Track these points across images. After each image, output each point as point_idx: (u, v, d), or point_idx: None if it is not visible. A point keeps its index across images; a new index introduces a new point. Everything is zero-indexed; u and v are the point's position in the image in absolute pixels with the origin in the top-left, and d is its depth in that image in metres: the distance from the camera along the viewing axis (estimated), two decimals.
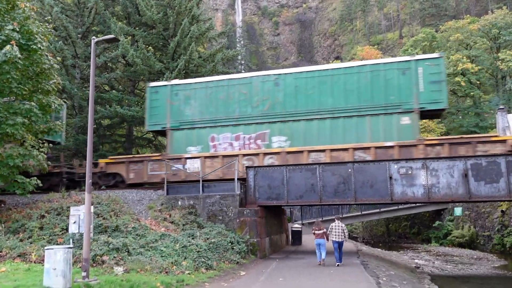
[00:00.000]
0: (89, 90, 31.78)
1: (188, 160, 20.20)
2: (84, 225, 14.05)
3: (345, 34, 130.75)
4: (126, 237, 15.13)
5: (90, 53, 33.26)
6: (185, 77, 32.27)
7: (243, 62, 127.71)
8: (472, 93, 47.53)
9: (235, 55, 35.32)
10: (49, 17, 31.43)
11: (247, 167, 20.01)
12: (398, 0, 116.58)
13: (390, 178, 18.41)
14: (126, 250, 13.90)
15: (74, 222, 14.57)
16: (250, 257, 17.68)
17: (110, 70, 36.00)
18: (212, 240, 16.16)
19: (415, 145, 20.07)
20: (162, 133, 24.64)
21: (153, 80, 33.89)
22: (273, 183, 19.65)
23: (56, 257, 9.73)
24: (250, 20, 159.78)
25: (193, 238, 16.27)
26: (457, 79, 47.13)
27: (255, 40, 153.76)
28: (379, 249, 27.58)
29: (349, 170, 18.91)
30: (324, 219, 34.55)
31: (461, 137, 20.70)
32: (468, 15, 70.37)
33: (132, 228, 16.25)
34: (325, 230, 17.09)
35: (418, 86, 20.57)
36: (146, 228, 16.58)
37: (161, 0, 34.12)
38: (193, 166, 19.77)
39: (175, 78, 30.41)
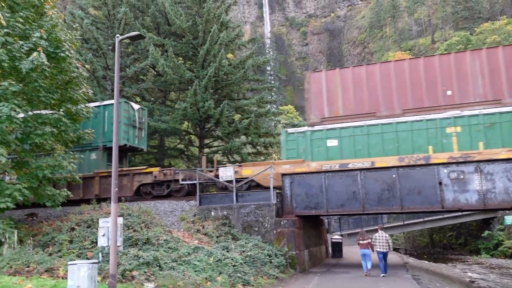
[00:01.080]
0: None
1: (220, 168, 19.24)
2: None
3: (374, 42, 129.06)
4: (157, 250, 14.23)
5: (120, 65, 33.33)
6: (215, 85, 31.63)
7: (272, 72, 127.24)
8: None
9: (265, 62, 34.40)
10: (80, 29, 31.64)
11: (282, 174, 18.87)
12: (429, 4, 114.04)
13: (440, 183, 16.86)
14: (157, 264, 12.97)
15: (103, 235, 13.81)
16: (289, 271, 16.46)
17: (141, 81, 35.79)
18: (249, 253, 15.05)
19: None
20: None
21: (183, 90, 33.51)
22: (311, 191, 18.42)
23: (80, 273, 8.85)
24: (279, 31, 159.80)
25: (227, 251, 15.21)
26: None
27: (283, 50, 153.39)
28: (426, 262, 25.73)
29: (394, 175, 17.48)
30: (364, 229, 32.94)
31: None
32: (504, 16, 67.33)
33: (164, 240, 15.34)
34: (369, 240, 16.73)
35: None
36: (178, 240, 15.65)
37: (189, 9, 33.77)
38: (225, 174, 18.78)
39: (204, 86, 29.76)
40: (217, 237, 16.94)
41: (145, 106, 31.84)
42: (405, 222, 32.94)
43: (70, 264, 9.18)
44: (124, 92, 33.05)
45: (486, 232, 33.54)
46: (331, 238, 24.38)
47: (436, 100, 19.27)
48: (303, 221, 18.97)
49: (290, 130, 21.01)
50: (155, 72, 35.13)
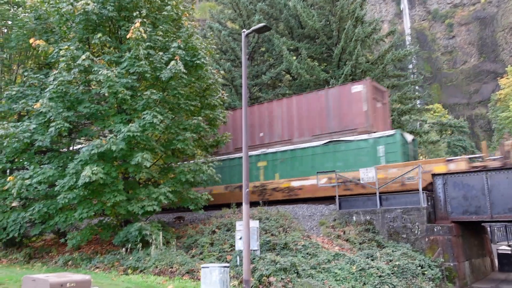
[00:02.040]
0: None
1: (361, 169, 17.73)
2: (251, 241, 12.86)
3: None
4: (295, 256, 13.44)
5: (257, 73, 34.01)
6: None
7: (415, 70, 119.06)
8: None
9: (407, 54, 31.59)
10: (217, 41, 33.13)
11: (433, 174, 16.57)
12: None
13: None
14: (295, 271, 12.16)
15: (240, 238, 13.54)
16: (446, 286, 14.18)
17: (278, 87, 36.05)
18: (396, 263, 13.31)
19: None
20: None
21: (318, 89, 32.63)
22: (470, 193, 15.77)
23: (212, 277, 8.48)
24: (420, 26, 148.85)
25: (372, 260, 13.69)
26: None
27: (426, 46, 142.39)
28: None
29: None
30: None
31: None
32: None
33: (302, 246, 14.51)
34: None
35: None
36: (317, 246, 14.67)
37: (322, 9, 32.87)
38: (367, 175, 17.22)
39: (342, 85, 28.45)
40: (360, 243, 15.51)
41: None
42: None
43: (203, 267, 8.88)
44: (261, 99, 33.56)
45: None
46: (497, 249, 20.78)
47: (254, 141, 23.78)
48: (461, 228, 16.37)
49: None
50: (291, 77, 35.00)
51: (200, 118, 17.76)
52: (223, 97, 20.30)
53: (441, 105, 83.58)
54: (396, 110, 28.57)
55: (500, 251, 20.37)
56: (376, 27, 31.35)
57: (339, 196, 18.25)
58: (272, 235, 15.43)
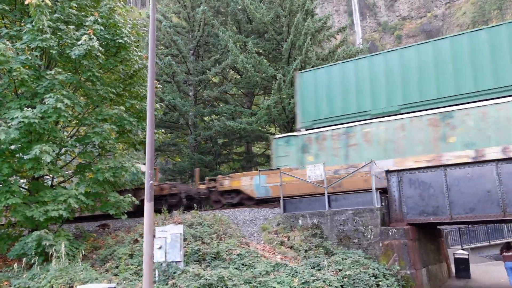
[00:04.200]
0: (201, 106, 29.52)
1: (308, 166, 15.72)
2: (172, 251, 10.44)
3: None
4: (227, 268, 11.12)
5: (202, 69, 31.60)
6: None
7: None
8: None
9: (359, 51, 30.33)
10: (159, 33, 30.50)
11: (387, 171, 14.81)
12: None
13: None
14: (224, 286, 9.82)
15: (160, 248, 11.07)
16: None
17: (223, 84, 33.78)
18: (347, 273, 11.27)
19: None
20: None
21: (266, 88, 30.68)
22: (427, 192, 14.08)
23: None
24: (371, 37, 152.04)
25: (318, 270, 11.60)
26: None
27: None
28: None
29: None
30: (491, 243, 27.08)
31: None
32: None
33: (238, 255, 12.20)
34: None
35: None
36: (256, 255, 12.40)
37: (271, 3, 31.04)
38: (314, 173, 15.22)
39: (290, 81, 26.62)
40: (306, 251, 13.37)
41: (228, 109, 29.65)
42: None
43: None
44: (205, 96, 31.18)
45: None
46: (454, 254, 19.40)
47: None
48: (418, 231, 14.65)
49: None
50: (238, 74, 32.87)
51: (122, 108, 15.12)
52: (156, 87, 17.76)
53: None
54: None
55: (457, 256, 18.98)
56: (327, 21, 29.85)
57: (284, 197, 16.12)
58: (203, 243, 13.03)
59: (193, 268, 10.53)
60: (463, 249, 23.76)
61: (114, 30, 14.88)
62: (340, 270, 11.64)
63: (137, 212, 18.46)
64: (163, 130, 17.98)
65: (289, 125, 28.74)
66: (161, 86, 22.45)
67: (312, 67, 28.42)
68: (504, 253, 15.21)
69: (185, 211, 17.47)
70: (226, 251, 12.36)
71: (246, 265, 11.57)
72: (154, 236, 10.37)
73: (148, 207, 7.73)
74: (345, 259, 12.45)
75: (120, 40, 14.77)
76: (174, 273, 10.53)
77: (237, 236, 14.22)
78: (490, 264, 24.35)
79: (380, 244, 13.58)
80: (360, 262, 12.26)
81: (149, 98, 8.64)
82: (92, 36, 13.26)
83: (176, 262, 11.00)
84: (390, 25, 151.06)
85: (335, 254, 13.18)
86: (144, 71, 16.46)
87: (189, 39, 32.93)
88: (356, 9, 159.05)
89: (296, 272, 10.98)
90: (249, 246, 13.42)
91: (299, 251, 13.33)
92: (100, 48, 13.57)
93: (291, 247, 13.61)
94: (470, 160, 14.05)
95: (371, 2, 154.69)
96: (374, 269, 12.03)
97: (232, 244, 12.93)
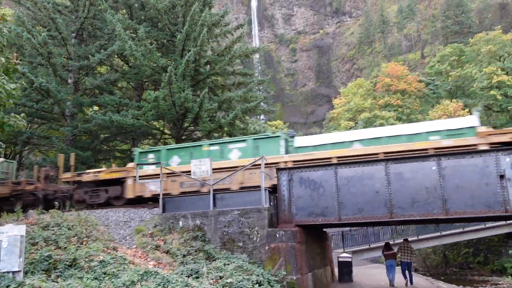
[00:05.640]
0: (82, 95, 26.29)
1: (193, 161, 14.10)
2: (9, 258, 8.05)
3: (364, 58, 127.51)
4: (82, 278, 8.99)
5: (85, 54, 28.28)
6: (195, 76, 26.66)
7: (261, 87, 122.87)
8: (509, 107, 44.13)
9: (255, 51, 29.61)
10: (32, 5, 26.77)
11: (277, 169, 13.80)
12: (418, 20, 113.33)
13: (501, 177, 11.92)
14: None
15: None
16: None
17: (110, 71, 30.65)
18: (228, 281, 9.83)
19: None
20: None
21: (157, 82, 28.36)
22: (317, 192, 13.32)
23: None
24: (267, 47, 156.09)
25: (196, 277, 10.02)
26: (492, 92, 44.65)
27: (272, 67, 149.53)
28: (455, 286, 20.61)
29: (433, 167, 12.50)
30: (371, 246, 27.92)
31: None
32: (499, 26, 64.52)
33: (100, 262, 10.09)
34: (395, 251, 17.13)
35: None
36: (122, 262, 10.40)
37: None
38: (200, 169, 13.66)
39: (182, 74, 24.80)
40: (184, 256, 11.70)
41: (112, 100, 26.82)
42: (420, 237, 27.93)
43: None
44: (87, 85, 27.93)
45: None
46: (338, 257, 19.19)
47: None
48: (306, 234, 13.85)
49: None
50: (127, 64, 30.11)
51: None
52: (14, 62, 14.70)
53: (282, 122, 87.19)
54: (240, 107, 25.97)
55: (340, 259, 18.75)
56: (225, 16, 28.62)
57: (164, 196, 14.28)
58: (58, 247, 10.67)
59: (34, 280, 8.24)
60: (346, 252, 23.96)
61: None
62: (221, 277, 10.17)
63: None
64: (23, 115, 14.81)
65: (179, 122, 26.85)
66: (20, 62, 19.05)
67: (207, 62, 27.04)
68: (385, 252, 16.93)
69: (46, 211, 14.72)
70: (86, 258, 10.18)
71: (108, 274, 9.54)
72: None
73: None
74: (228, 264, 11.03)
75: None
76: (8, 286, 8.13)
77: (105, 240, 12.05)
78: (371, 267, 24.98)
79: (266, 247, 12.45)
80: (244, 268, 10.93)
81: None
82: None
83: (13, 272, 8.59)
84: (286, 38, 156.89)
85: (217, 259, 11.71)
86: None
87: (72, 20, 29.35)
88: (255, 19, 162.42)
89: (168, 281, 9.26)
90: (116, 251, 11.35)
91: (176, 256, 11.61)
92: None
93: (167, 252, 11.84)
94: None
95: (270, 14, 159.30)
96: (258, 275, 10.76)
97: (95, 249, 10.77)
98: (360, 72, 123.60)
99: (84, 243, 11.38)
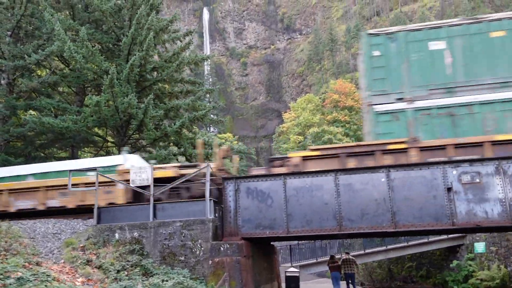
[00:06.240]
0: (17, 97, 24.38)
1: (132, 168, 13.06)
2: None
3: (313, 74, 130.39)
4: None
5: (21, 54, 26.33)
6: (140, 83, 25.50)
7: (211, 100, 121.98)
8: None
9: (204, 58, 28.89)
10: None
11: (223, 178, 13.05)
12: None
13: (449, 190, 11.86)
14: None
15: None
16: None
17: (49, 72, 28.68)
18: None
19: None
20: None
21: (98, 86, 26.73)
22: (265, 203, 12.69)
23: None
24: (219, 60, 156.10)
25: None
26: None
27: (223, 80, 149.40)
28: None
29: (382, 179, 12.26)
30: (319, 260, 27.63)
31: None
32: None
33: (17, 279, 8.83)
34: (339, 263, 18.05)
35: None
36: (45, 278, 9.18)
37: None
38: (139, 177, 12.65)
39: (126, 78, 23.56)
40: (118, 271, 10.60)
41: (49, 104, 25.04)
42: (367, 251, 28.01)
43: None
44: (22, 87, 25.93)
45: (455, 262, 29.32)
46: (285, 272, 18.62)
47: None
48: (252, 247, 13.13)
49: None
50: (66, 66, 28.33)
51: None
52: None
53: (232, 135, 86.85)
54: (187, 115, 25.07)
55: (288, 274, 18.18)
56: (173, 21, 27.76)
57: (99, 206, 13.09)
58: None
59: None
60: (293, 267, 23.47)
61: None
62: None
63: None
64: None
65: (122, 129, 25.44)
66: None
67: (154, 67, 25.91)
68: (330, 265, 18.04)
69: None
70: (1, 274, 8.87)
71: None
72: None
73: None
74: (166, 281, 10.10)
75: None
76: None
77: (27, 254, 10.71)
78: (318, 281, 24.65)
79: (210, 262, 11.60)
80: (184, 285, 10.04)
81: None
82: None
83: None
84: (238, 52, 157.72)
85: (155, 274, 10.72)
86: None
87: (7, 18, 27.31)
88: (206, 31, 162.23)
89: None
90: (40, 266, 10.07)
91: (109, 271, 10.50)
92: None
93: (99, 267, 10.70)
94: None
95: (222, 27, 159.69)
96: None
97: (14, 265, 9.46)
98: (309, 88, 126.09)
99: (3, 257, 10.01)
